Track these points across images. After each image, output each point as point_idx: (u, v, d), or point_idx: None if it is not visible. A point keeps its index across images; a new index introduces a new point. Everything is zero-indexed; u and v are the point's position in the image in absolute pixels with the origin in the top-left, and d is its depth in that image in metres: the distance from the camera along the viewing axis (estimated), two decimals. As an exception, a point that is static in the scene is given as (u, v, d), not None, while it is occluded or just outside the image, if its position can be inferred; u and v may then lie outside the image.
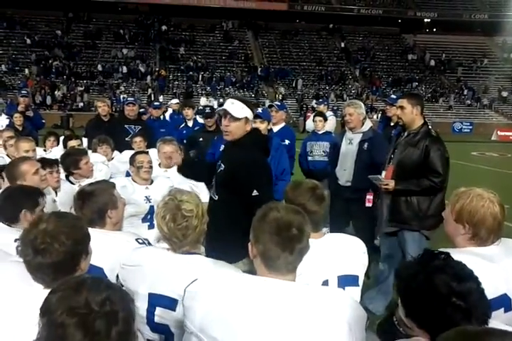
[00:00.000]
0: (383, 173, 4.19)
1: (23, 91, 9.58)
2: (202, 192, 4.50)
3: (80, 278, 1.32)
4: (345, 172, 4.98)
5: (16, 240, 2.36)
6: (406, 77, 39.55)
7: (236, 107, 3.07)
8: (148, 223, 4.06)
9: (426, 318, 1.48)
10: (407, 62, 41.91)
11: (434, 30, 46.34)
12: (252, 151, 3.09)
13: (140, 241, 2.48)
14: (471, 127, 34.71)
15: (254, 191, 2.93)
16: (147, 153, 4.40)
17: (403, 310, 1.55)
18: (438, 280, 1.46)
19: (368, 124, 5.00)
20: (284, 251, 1.62)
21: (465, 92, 38.53)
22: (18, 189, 2.84)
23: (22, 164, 3.33)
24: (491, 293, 1.65)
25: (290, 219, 1.65)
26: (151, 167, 4.21)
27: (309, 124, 9.46)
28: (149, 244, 2.55)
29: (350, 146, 4.98)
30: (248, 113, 3.09)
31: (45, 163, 3.86)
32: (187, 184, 4.60)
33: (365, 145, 4.85)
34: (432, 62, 41.53)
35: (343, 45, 42.15)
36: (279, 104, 4.73)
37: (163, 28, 40.44)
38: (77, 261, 1.80)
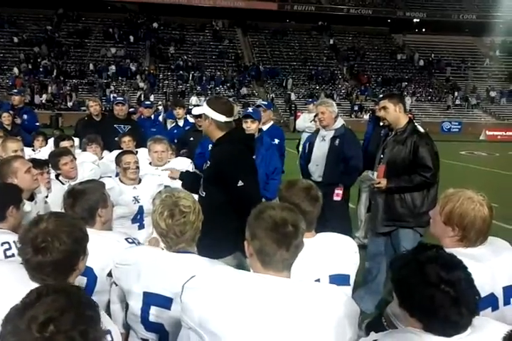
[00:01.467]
0: (375, 173, 4.22)
1: (14, 91, 9.53)
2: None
3: (36, 292, 1.24)
4: (317, 168, 5.18)
5: (3, 243, 2.35)
6: (395, 77, 39.76)
7: (198, 107, 3.47)
8: (138, 223, 4.05)
9: (417, 306, 1.53)
10: (397, 62, 42.12)
11: (423, 30, 46.66)
12: (232, 146, 3.20)
13: (130, 240, 2.49)
14: (459, 127, 34.95)
15: (240, 182, 3.05)
16: (133, 153, 4.36)
17: (397, 300, 1.60)
18: (429, 269, 1.53)
19: (339, 122, 5.21)
20: (281, 247, 1.65)
21: (455, 93, 38.79)
22: (2, 186, 2.84)
23: (14, 162, 3.31)
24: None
25: (285, 216, 1.69)
26: (137, 167, 4.17)
27: (299, 124, 9.50)
28: (139, 243, 2.55)
29: (322, 143, 5.18)
30: (205, 110, 3.21)
31: (35, 163, 3.83)
32: (178, 182, 4.61)
33: (337, 141, 5.06)
34: (421, 62, 41.79)
35: (332, 42, 42.27)
36: (266, 103, 4.80)
37: (154, 25, 40.29)
38: (76, 260, 1.81)
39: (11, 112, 7.98)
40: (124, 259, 2.17)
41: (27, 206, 3.13)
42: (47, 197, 3.78)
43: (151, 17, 41.01)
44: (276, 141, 5.45)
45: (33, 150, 6.04)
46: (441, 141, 20.27)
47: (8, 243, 2.43)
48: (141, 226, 4.03)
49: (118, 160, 4.20)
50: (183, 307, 1.66)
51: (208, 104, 3.21)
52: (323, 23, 43.33)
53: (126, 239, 2.49)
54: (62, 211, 2.67)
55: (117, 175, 5.23)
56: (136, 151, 5.57)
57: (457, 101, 38.31)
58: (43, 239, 1.74)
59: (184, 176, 3.75)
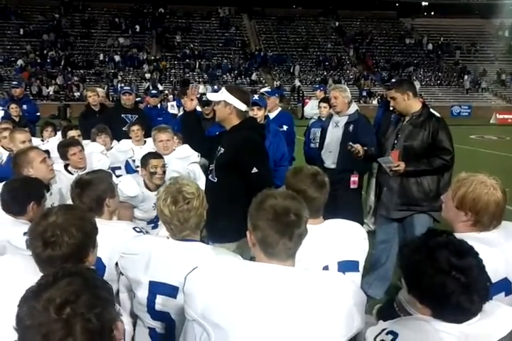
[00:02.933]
0: (389, 158, 4.18)
1: (14, 83, 9.63)
2: (200, 178, 4.51)
3: (52, 275, 1.24)
4: (330, 155, 5.07)
5: (25, 233, 2.38)
6: (404, 62, 39.35)
7: (213, 94, 3.43)
8: (153, 224, 4.07)
9: (427, 293, 1.51)
10: (405, 47, 41.65)
11: (432, 13, 45.99)
12: (248, 133, 3.27)
13: (137, 229, 2.49)
14: (469, 111, 34.62)
15: (254, 168, 3.10)
16: (161, 156, 4.17)
17: (406, 287, 1.58)
18: (439, 255, 1.50)
19: (353, 107, 5.09)
20: (283, 236, 1.63)
21: (465, 77, 38.34)
22: (25, 181, 2.84)
23: (30, 152, 3.36)
24: (491, 277, 1.65)
25: (287, 205, 1.66)
26: (164, 172, 4.00)
27: (307, 111, 9.44)
28: (147, 232, 2.55)
29: (336, 129, 5.06)
30: (227, 97, 3.25)
31: None
32: (185, 170, 4.62)
33: (351, 127, 4.94)
34: (430, 46, 41.29)
35: (339, 27, 41.85)
36: (269, 90, 4.73)
37: (161, 10, 40.04)
38: (86, 253, 1.81)
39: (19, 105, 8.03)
40: (129, 248, 2.17)
41: (55, 187, 3.17)
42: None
43: (157, 6, 40.77)
44: (285, 127, 5.40)
45: (42, 140, 6.06)
46: (451, 125, 20.07)
47: None
48: (155, 227, 4.05)
49: (145, 161, 4.01)
50: (186, 298, 1.64)
51: (231, 92, 3.26)
52: (330, 8, 42.83)
53: (134, 228, 2.49)
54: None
55: (127, 164, 5.26)
56: (145, 141, 5.60)
57: (467, 85, 37.86)
58: (52, 233, 1.74)
59: (186, 117, 3.73)
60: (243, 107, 3.29)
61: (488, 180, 2.11)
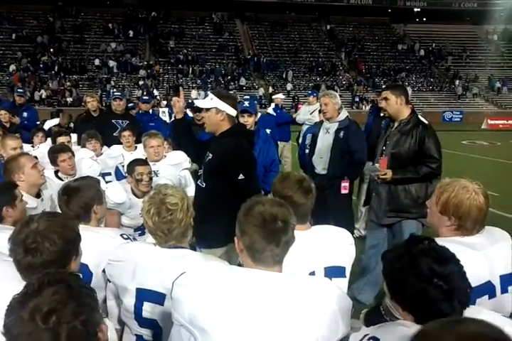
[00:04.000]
0: (376, 165, 4.20)
1: (19, 90, 9.54)
2: (190, 184, 4.51)
3: (37, 283, 1.27)
4: (321, 161, 5.12)
5: (9, 239, 2.37)
6: (396, 67, 39.58)
7: (205, 99, 3.35)
8: (140, 231, 4.04)
9: (409, 300, 1.54)
10: (397, 52, 41.90)
11: (424, 19, 46.32)
12: (237, 140, 3.28)
13: (125, 236, 2.48)
14: (461, 116, 34.83)
15: (241, 175, 3.11)
16: (147, 163, 4.14)
17: (388, 294, 1.60)
18: (421, 262, 1.52)
19: (343, 113, 5.14)
20: (270, 243, 1.64)
21: (456, 82, 38.59)
22: None
23: (20, 158, 3.35)
24: (474, 280, 1.68)
25: (275, 212, 1.67)
26: (150, 179, 3.96)
27: (299, 116, 9.49)
28: (134, 239, 2.55)
29: (327, 135, 5.11)
30: (218, 104, 3.25)
31: None
32: (176, 177, 4.61)
33: (341, 134, 4.99)
34: (422, 52, 41.57)
35: (332, 33, 42.07)
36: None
37: (154, 14, 40.07)
38: (68, 261, 1.81)
39: (11, 110, 7.98)
40: (116, 256, 2.16)
41: (33, 202, 3.16)
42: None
43: (150, 11, 40.82)
44: (268, 131, 5.45)
45: (32, 146, 6.04)
46: (442, 130, 20.12)
47: None
48: (142, 234, 4.03)
49: (131, 169, 3.96)
50: (174, 303, 1.65)
51: (222, 99, 3.26)
52: (322, 14, 43.06)
53: (121, 235, 2.48)
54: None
55: (116, 170, 5.25)
56: (136, 147, 5.60)
57: (459, 91, 38.10)
58: (33, 240, 1.74)
59: (176, 124, 3.71)
60: (234, 112, 3.32)
61: (470, 185, 2.13)
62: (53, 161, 4.26)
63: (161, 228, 2.06)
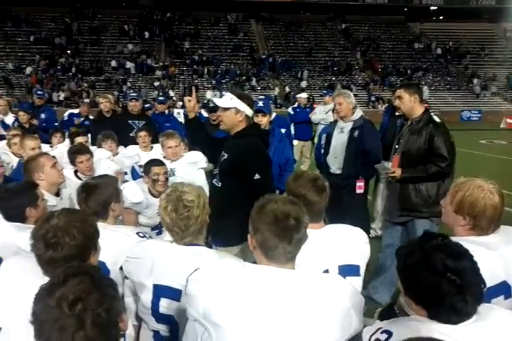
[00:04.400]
0: (389, 163, 4.21)
1: (38, 92, 9.68)
2: (204, 185, 4.54)
3: (63, 274, 1.34)
4: (336, 160, 5.11)
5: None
6: (413, 66, 39.27)
7: (223, 99, 3.33)
8: (157, 230, 4.09)
9: (422, 294, 1.55)
10: (414, 51, 41.56)
11: (441, 17, 45.83)
12: (252, 140, 3.30)
13: (141, 234, 2.52)
14: (479, 115, 34.44)
15: (256, 175, 3.13)
16: (163, 163, 4.19)
17: (402, 289, 1.62)
18: (435, 257, 1.54)
19: (358, 113, 5.13)
20: (283, 240, 1.66)
21: (474, 81, 38.17)
22: (14, 189, 2.83)
23: (40, 158, 3.42)
24: (490, 280, 1.68)
25: (287, 210, 1.69)
26: (167, 179, 4.03)
27: (314, 116, 9.50)
28: (150, 237, 2.58)
29: (341, 135, 5.11)
30: (238, 104, 3.27)
31: None
32: (192, 175, 4.66)
33: (356, 133, 4.98)
34: (439, 51, 41.18)
35: (347, 33, 41.91)
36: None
37: (169, 15, 40.30)
38: (87, 256, 1.85)
39: (30, 111, 8.11)
40: (134, 253, 2.20)
41: (52, 200, 3.22)
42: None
43: (166, 12, 41.07)
44: (283, 130, 5.45)
45: (51, 146, 6.13)
46: (460, 130, 19.84)
47: None
48: (160, 233, 4.07)
49: (147, 169, 4.05)
50: (188, 299, 1.68)
51: (241, 99, 3.29)
52: (337, 14, 42.91)
53: (137, 233, 2.52)
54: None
55: (132, 170, 5.31)
56: (152, 147, 5.65)
57: (476, 90, 37.68)
58: (53, 235, 1.79)
59: (189, 123, 3.70)
60: (251, 113, 3.36)
61: (485, 184, 2.13)
62: (72, 161, 4.33)
63: (178, 224, 2.11)
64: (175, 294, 2.05)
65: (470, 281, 1.51)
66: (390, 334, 1.53)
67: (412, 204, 4.07)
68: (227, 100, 3.30)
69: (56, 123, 8.70)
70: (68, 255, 1.77)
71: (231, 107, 3.28)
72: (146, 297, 2.10)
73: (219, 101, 3.36)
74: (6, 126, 7.54)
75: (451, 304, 1.49)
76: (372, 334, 1.58)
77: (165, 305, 2.08)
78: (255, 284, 1.62)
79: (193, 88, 4.10)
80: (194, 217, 2.11)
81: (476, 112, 34.69)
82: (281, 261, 1.68)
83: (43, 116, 8.39)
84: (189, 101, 3.55)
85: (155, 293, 2.09)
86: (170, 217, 2.11)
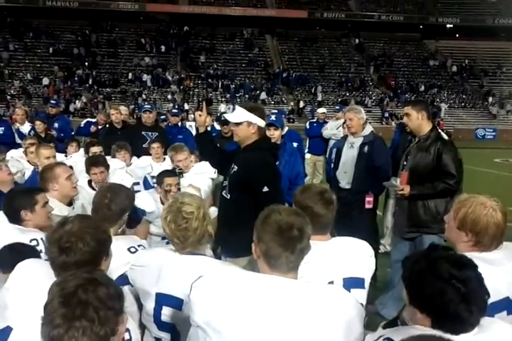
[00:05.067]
0: (398, 180, 4.23)
1: (52, 101, 9.83)
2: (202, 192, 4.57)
3: (74, 272, 1.45)
4: (345, 175, 5.11)
5: (31, 240, 2.48)
6: (427, 84, 39.26)
7: (235, 114, 3.36)
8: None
9: (427, 301, 1.56)
10: (429, 68, 41.59)
11: (457, 35, 45.84)
12: (261, 153, 3.33)
13: (132, 250, 2.50)
14: (494, 133, 34.24)
15: (265, 187, 3.15)
16: (175, 174, 4.27)
17: (407, 297, 1.63)
18: (440, 265, 1.57)
19: (368, 128, 5.14)
20: (286, 250, 1.70)
21: (489, 99, 38.02)
22: (12, 193, 2.97)
23: (57, 168, 3.45)
24: (493, 296, 1.68)
25: (291, 221, 1.73)
26: (179, 189, 4.10)
27: (326, 131, 9.53)
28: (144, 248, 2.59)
29: (351, 150, 5.12)
30: (250, 117, 3.28)
31: None
32: (201, 185, 4.69)
33: (366, 149, 4.98)
34: (454, 68, 41.15)
35: (362, 49, 42.10)
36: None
37: (186, 28, 40.93)
38: (99, 261, 1.90)
39: (46, 121, 8.25)
40: (139, 261, 2.24)
41: (64, 210, 3.26)
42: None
43: (182, 27, 41.67)
44: (295, 144, 5.50)
45: (66, 156, 6.23)
46: (475, 148, 19.63)
47: (36, 240, 2.57)
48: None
49: (159, 180, 4.14)
50: (191, 305, 1.72)
51: (251, 111, 3.31)
52: (352, 30, 43.16)
53: (128, 249, 2.50)
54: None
55: (145, 180, 5.37)
56: (164, 158, 5.72)
57: (492, 108, 37.51)
58: (67, 240, 1.84)
59: (198, 137, 3.75)
60: (263, 123, 3.38)
61: (488, 201, 2.15)
62: (87, 171, 4.41)
63: (176, 235, 2.15)
64: (176, 303, 2.07)
65: (474, 290, 1.53)
66: None
67: (420, 220, 4.08)
68: (238, 115, 3.33)
69: (72, 133, 8.83)
70: (80, 260, 1.82)
71: (243, 121, 3.30)
72: (149, 304, 2.13)
73: (230, 117, 3.40)
74: (22, 135, 7.69)
75: (456, 312, 1.51)
76: None
77: (167, 314, 2.10)
78: (256, 292, 1.65)
79: (204, 103, 4.16)
80: (192, 229, 2.13)
81: (491, 130, 34.51)
82: (284, 270, 1.72)
83: (56, 125, 8.51)
84: (200, 115, 3.59)
85: (157, 301, 2.11)
86: (169, 228, 2.15)
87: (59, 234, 1.87)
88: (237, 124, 3.31)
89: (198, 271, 1.95)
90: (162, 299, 2.09)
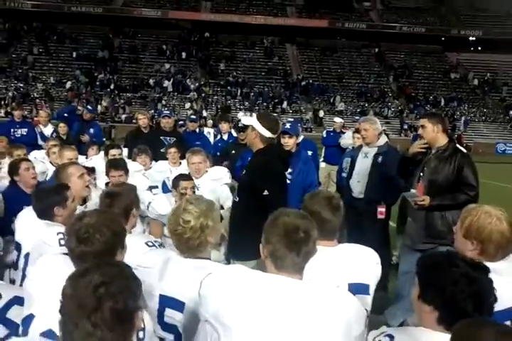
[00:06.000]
0: (414, 191, 4.25)
1: (89, 107, 10.05)
2: (228, 199, 4.67)
3: (95, 263, 1.52)
4: (358, 184, 5.15)
5: (58, 233, 2.61)
6: (448, 96, 39.01)
7: (245, 117, 3.66)
8: None
9: (438, 290, 1.63)
10: (450, 81, 41.35)
11: (479, 48, 45.51)
12: (266, 158, 3.46)
13: (150, 243, 2.63)
14: (515, 148, 33.83)
15: (265, 191, 3.26)
16: (191, 178, 4.36)
17: (418, 288, 1.71)
18: (456, 260, 1.67)
19: (383, 139, 5.20)
20: (292, 252, 1.78)
21: (511, 113, 37.64)
22: (47, 189, 3.13)
23: (69, 167, 3.58)
24: (497, 304, 1.72)
25: (298, 223, 1.81)
26: (194, 193, 4.17)
27: (344, 141, 9.56)
28: (160, 246, 2.69)
29: (365, 159, 5.16)
30: (254, 122, 3.46)
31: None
32: (216, 191, 4.79)
33: (380, 159, 5.02)
34: (475, 82, 40.85)
35: (383, 60, 42.06)
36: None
37: (206, 35, 41.51)
38: (115, 252, 2.01)
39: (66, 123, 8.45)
40: (143, 262, 2.29)
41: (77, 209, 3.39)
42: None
43: (204, 34, 42.11)
44: (310, 152, 5.58)
45: (86, 158, 6.38)
46: (495, 162, 19.27)
47: (62, 233, 2.66)
48: None
49: (175, 183, 4.21)
50: (201, 300, 1.80)
51: (258, 119, 3.47)
52: (373, 41, 43.16)
53: (146, 243, 2.64)
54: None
55: (163, 184, 5.48)
56: (180, 163, 5.83)
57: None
58: (85, 231, 1.97)
59: None
60: (267, 134, 3.46)
61: (493, 210, 2.22)
62: (107, 173, 4.54)
63: (172, 238, 2.24)
64: (178, 305, 2.12)
65: (484, 290, 1.60)
66: (391, 338, 1.65)
67: (437, 231, 4.10)
68: (248, 118, 3.60)
69: (104, 139, 8.97)
70: (98, 250, 1.94)
71: (249, 124, 3.54)
72: (153, 305, 2.18)
73: (243, 118, 3.68)
74: (44, 137, 7.88)
75: (463, 307, 1.58)
76: (376, 337, 1.70)
77: (169, 315, 2.15)
78: (263, 290, 1.73)
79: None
80: (186, 237, 2.17)
81: (512, 145, 34.12)
82: (290, 271, 1.79)
83: (91, 131, 8.68)
84: None
85: (160, 303, 2.16)
86: (168, 229, 2.25)
87: (78, 225, 2.00)
88: (246, 127, 3.57)
89: (200, 276, 1.99)
90: (165, 301, 2.15)
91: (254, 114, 3.59)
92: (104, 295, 1.37)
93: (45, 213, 2.92)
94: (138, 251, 2.43)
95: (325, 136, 10.26)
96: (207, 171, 5.06)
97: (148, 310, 2.23)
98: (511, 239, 2.18)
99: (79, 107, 10.57)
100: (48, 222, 2.88)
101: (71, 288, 1.41)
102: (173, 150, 5.85)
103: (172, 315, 2.14)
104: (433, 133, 4.18)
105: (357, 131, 6.49)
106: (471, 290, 1.58)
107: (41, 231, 2.74)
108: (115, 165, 4.60)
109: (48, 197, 2.95)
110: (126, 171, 4.57)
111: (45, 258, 2.15)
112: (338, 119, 11.07)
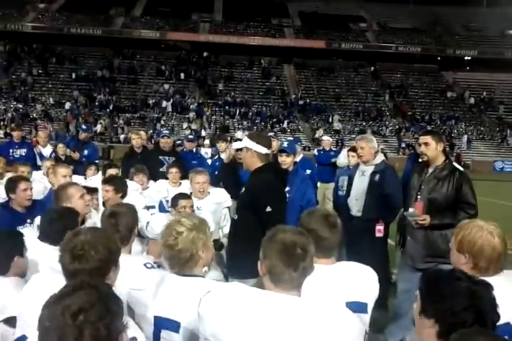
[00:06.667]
0: (412, 210, 4.26)
1: (83, 126, 10.06)
2: (228, 223, 4.68)
3: (72, 285, 1.43)
4: (356, 203, 5.13)
5: None
6: (445, 115, 39.29)
7: (236, 143, 3.74)
8: None
9: (439, 303, 1.64)
10: (446, 100, 41.69)
11: (475, 67, 45.99)
12: (266, 175, 3.50)
13: (149, 265, 2.56)
14: (513, 166, 33.93)
15: (268, 207, 3.28)
16: (189, 197, 4.40)
17: (418, 307, 1.72)
18: (459, 275, 1.69)
19: (380, 157, 5.19)
20: (289, 267, 1.78)
21: (508, 131, 37.85)
22: (61, 212, 3.08)
23: (70, 188, 3.59)
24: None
25: (295, 240, 1.83)
26: (193, 211, 4.22)
27: (340, 160, 9.60)
28: (159, 266, 2.67)
29: (362, 178, 5.15)
30: (247, 143, 3.52)
31: (87, 189, 4.10)
32: (217, 213, 4.80)
33: (377, 177, 5.01)
34: (472, 100, 41.19)
35: (380, 79, 42.46)
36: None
37: (205, 54, 41.88)
38: (108, 270, 1.98)
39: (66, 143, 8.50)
40: (136, 284, 2.28)
41: (90, 222, 3.42)
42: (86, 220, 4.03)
43: (202, 55, 42.58)
44: (308, 171, 5.60)
45: (85, 178, 6.39)
46: (493, 180, 19.32)
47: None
48: None
49: (174, 202, 4.26)
50: (199, 318, 1.80)
51: (251, 138, 3.54)
52: (370, 61, 43.66)
53: (145, 265, 2.56)
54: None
55: (160, 204, 5.48)
56: (180, 183, 5.85)
57: (510, 140, 37.29)
58: (81, 248, 1.94)
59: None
60: (263, 150, 3.51)
61: (485, 225, 2.25)
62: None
63: (164, 251, 2.21)
64: (173, 326, 2.09)
65: (485, 305, 1.61)
66: None
67: (438, 250, 4.08)
68: (240, 142, 3.68)
69: (97, 161, 8.99)
70: (92, 268, 1.91)
71: (242, 147, 3.60)
72: (148, 328, 2.15)
73: (234, 144, 3.80)
74: (43, 157, 7.91)
75: (464, 320, 1.58)
76: None
77: (166, 337, 2.12)
78: (262, 308, 1.73)
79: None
80: (177, 249, 2.16)
81: (510, 163, 34.20)
82: (287, 287, 1.80)
83: (85, 152, 8.69)
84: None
85: (156, 325, 2.14)
86: (161, 242, 2.23)
87: (73, 242, 1.97)
88: (239, 150, 3.58)
89: (193, 295, 1.98)
90: (160, 322, 2.12)
91: (244, 136, 3.68)
92: (84, 322, 1.29)
93: (56, 238, 2.81)
94: (136, 273, 2.40)
95: (316, 154, 10.34)
96: (209, 193, 5.08)
97: (143, 333, 2.20)
98: (504, 253, 2.20)
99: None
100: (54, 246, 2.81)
101: (49, 319, 1.32)
102: (174, 170, 5.86)
103: (168, 337, 2.11)
104: (436, 151, 4.22)
105: (353, 149, 6.53)
106: (471, 303, 1.59)
107: (48, 253, 2.67)
108: (105, 180, 4.65)
109: (61, 222, 2.92)
110: (117, 189, 4.51)
111: (37, 277, 2.13)
112: (325, 137, 11.15)
